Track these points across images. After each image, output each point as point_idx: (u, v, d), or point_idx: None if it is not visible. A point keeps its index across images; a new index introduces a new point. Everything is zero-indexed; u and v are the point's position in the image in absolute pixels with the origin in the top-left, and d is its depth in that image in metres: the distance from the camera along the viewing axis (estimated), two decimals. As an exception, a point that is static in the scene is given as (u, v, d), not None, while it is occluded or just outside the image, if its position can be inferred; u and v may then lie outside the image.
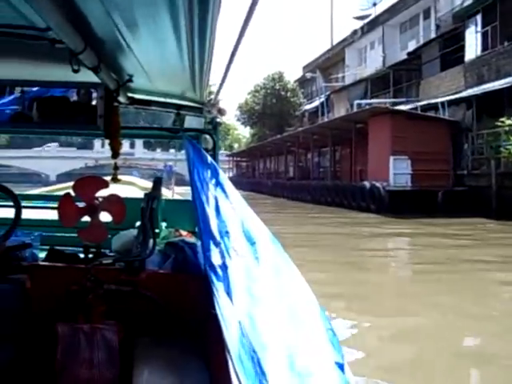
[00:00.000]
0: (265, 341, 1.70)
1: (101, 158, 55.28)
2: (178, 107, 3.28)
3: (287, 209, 27.51)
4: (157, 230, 3.34)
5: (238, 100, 60.61)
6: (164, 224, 3.73)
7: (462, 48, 28.01)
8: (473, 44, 27.12)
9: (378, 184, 21.84)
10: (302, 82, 58.75)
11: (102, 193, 2.94)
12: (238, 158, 65.68)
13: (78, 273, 2.55)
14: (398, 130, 21.79)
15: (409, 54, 33.63)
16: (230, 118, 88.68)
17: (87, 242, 2.85)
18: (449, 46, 29.17)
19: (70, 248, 3.20)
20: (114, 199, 2.92)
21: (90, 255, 2.81)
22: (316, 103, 52.13)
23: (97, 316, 2.44)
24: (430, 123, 22.19)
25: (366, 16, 46.73)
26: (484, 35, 26.52)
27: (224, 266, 2.08)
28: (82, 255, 2.87)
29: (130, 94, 3.05)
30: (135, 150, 72.18)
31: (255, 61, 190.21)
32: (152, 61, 2.40)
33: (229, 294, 1.94)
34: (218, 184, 2.50)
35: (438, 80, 30.25)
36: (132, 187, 6.19)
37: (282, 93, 54.38)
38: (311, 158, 36.62)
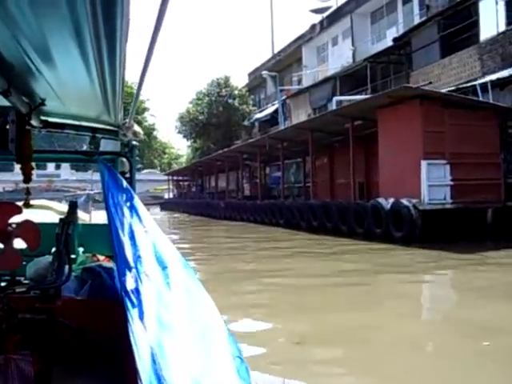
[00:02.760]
0: (173, 368, 1.72)
1: (21, 181, 47.86)
2: (93, 130, 3.24)
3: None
4: (74, 256, 3.34)
5: (178, 111, 52.03)
6: (81, 249, 3.67)
7: (474, 25, 21.99)
8: (492, 18, 21.09)
9: (405, 201, 14.91)
10: (250, 89, 52.06)
11: (16, 219, 2.69)
12: (180, 177, 57.81)
13: None
14: (431, 123, 15.02)
15: (395, 39, 27.32)
16: (166, 135, 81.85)
17: (0, 269, 2.69)
18: (453, 25, 22.98)
19: None
20: (28, 225, 2.72)
21: (3, 283, 2.69)
22: (268, 111, 45.45)
23: (11, 346, 2.38)
24: (474, 113, 15.50)
25: (326, 8, 40.56)
26: (509, 5, 20.53)
27: (137, 292, 2.05)
28: None
29: (43, 118, 2.98)
30: (61, 172, 64.81)
31: (194, 70, 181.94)
32: (64, 85, 2.39)
33: (142, 320, 1.93)
34: (132, 208, 2.45)
35: (439, 69, 24.11)
36: (48, 212, 5.87)
37: (230, 100, 47.18)
38: (281, 171, 29.45)
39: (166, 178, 60.35)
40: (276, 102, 44.96)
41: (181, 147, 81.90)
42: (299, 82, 44.36)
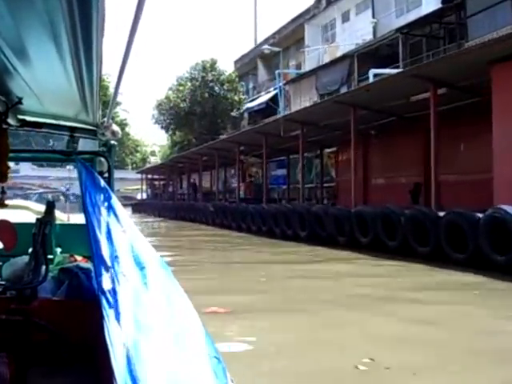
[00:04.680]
0: (148, 369, 1.68)
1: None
2: (72, 129, 3.19)
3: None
4: (51, 256, 3.34)
5: (153, 103, 44.62)
6: (59, 249, 3.66)
7: None
8: None
9: None
10: (238, 77, 45.71)
11: None
12: (155, 176, 51.08)
13: None
14: None
15: (445, 1, 21.27)
16: (139, 131, 75.39)
17: None
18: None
19: None
20: (4, 225, 2.77)
21: None
22: (263, 99, 39.21)
23: None
24: None
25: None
26: None
27: (114, 292, 2.01)
28: None
29: (20, 117, 2.87)
30: (20, 167, 57.63)
31: (171, 62, 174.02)
32: (41, 84, 2.31)
33: (118, 320, 1.89)
34: (110, 207, 2.37)
35: (511, 35, 18.16)
36: (26, 211, 5.67)
37: (216, 86, 40.75)
38: (287, 167, 23.28)
39: (138, 176, 53.64)
40: (271, 88, 38.83)
41: (156, 142, 75.48)
42: (298, 66, 38.30)
